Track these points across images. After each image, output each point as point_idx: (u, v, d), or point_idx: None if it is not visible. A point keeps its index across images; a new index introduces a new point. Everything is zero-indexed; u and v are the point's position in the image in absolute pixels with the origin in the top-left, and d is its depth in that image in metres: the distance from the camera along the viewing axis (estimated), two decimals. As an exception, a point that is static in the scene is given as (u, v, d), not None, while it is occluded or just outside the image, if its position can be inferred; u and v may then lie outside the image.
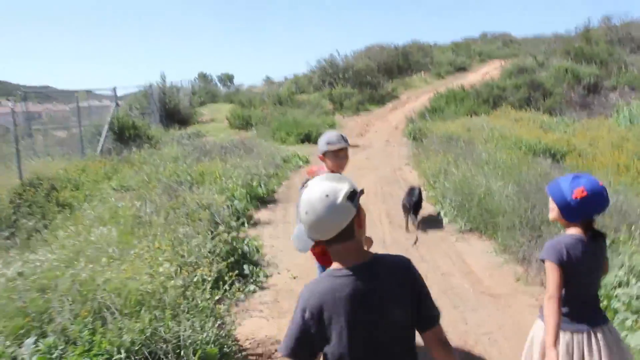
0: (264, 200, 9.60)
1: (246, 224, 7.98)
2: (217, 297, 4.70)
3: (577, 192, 2.44)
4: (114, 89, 17.18)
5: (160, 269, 4.36)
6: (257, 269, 6.20)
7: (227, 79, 78.15)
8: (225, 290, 5.05)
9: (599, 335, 2.51)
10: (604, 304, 4.55)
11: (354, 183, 1.80)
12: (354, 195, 1.74)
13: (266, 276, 6.12)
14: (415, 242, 7.23)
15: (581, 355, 2.50)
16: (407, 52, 33.45)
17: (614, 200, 6.49)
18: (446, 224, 7.97)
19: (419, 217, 7.94)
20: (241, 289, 5.59)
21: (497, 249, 6.64)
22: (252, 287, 5.74)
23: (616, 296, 4.38)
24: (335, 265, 1.81)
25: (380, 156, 14.07)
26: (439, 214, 8.45)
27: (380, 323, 1.75)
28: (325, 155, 3.60)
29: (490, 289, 5.57)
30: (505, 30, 60.97)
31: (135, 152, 12.80)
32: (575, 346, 2.51)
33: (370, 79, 26.10)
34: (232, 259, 5.68)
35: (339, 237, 1.74)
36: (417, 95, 26.86)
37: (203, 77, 70.26)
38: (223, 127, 21.57)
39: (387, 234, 7.63)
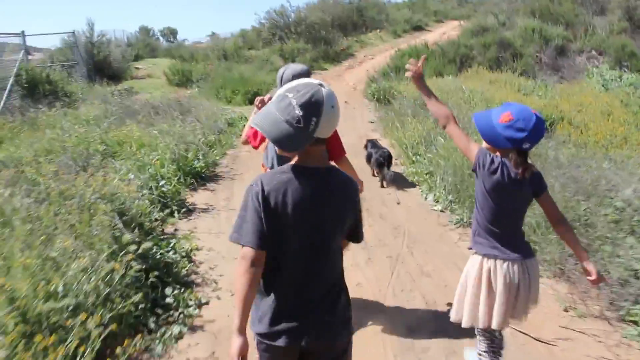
0: (203, 177, 7.40)
1: (176, 214, 5.82)
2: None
3: (504, 116, 2.37)
4: (23, 34, 14.16)
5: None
6: (187, 293, 4.11)
7: (170, 33, 73.62)
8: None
9: (529, 266, 2.53)
10: None
11: None
12: None
13: (199, 304, 4.03)
14: (398, 202, 6.44)
15: (516, 282, 2.49)
16: (361, 7, 31.11)
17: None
18: (439, 213, 6.08)
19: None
20: (159, 335, 3.52)
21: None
22: (176, 328, 3.66)
23: None
24: (297, 161, 1.81)
25: (342, 120, 11.97)
26: (425, 197, 6.56)
27: (322, 221, 1.80)
28: None
29: (532, 327, 3.71)
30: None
31: (44, 112, 10.19)
32: (511, 273, 2.49)
33: (325, 34, 23.72)
34: (139, 294, 3.48)
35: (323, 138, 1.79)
36: (373, 54, 24.77)
37: (145, 31, 66.11)
38: (160, 83, 18.86)
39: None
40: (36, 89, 12.70)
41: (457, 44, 17.71)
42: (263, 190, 1.71)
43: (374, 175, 7.35)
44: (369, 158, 7.43)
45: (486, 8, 35.10)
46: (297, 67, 3.09)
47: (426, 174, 6.96)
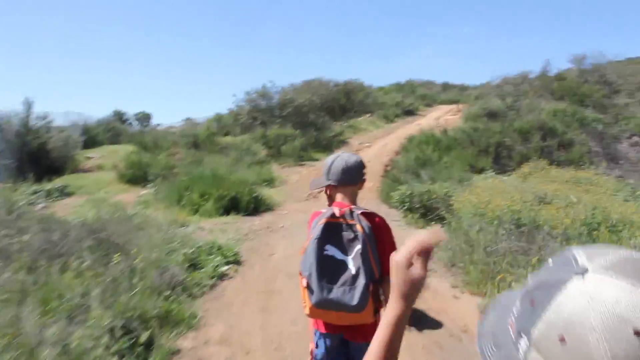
0: None
1: None
2: None
3: None
4: None
5: None
6: None
7: (144, 118, 70.09)
8: None
9: None
10: None
11: None
12: None
13: None
14: None
15: None
16: (348, 90, 27.64)
17: None
18: None
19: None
20: None
21: None
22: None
23: None
24: None
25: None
26: None
27: None
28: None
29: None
30: (429, 78, 56.56)
31: None
32: None
33: (314, 118, 19.75)
34: None
35: None
36: (369, 141, 20.83)
37: (118, 115, 63.14)
38: (109, 179, 14.22)
39: None
40: None
41: (485, 130, 13.72)
42: None
43: None
44: None
45: (476, 92, 32.33)
46: (350, 157, 2.40)
47: None
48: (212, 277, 6.11)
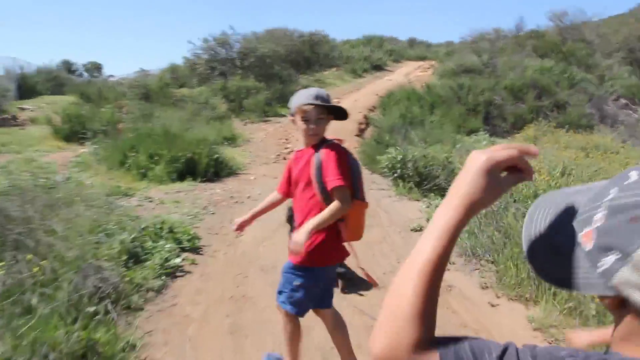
0: None
1: None
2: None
3: None
4: None
5: None
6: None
7: (95, 68, 65.44)
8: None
9: None
10: None
11: None
12: None
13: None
14: None
15: None
16: (313, 42, 25.55)
17: None
18: None
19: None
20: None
21: None
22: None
23: None
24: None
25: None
26: None
27: None
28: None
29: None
30: (392, 34, 54.11)
31: None
32: None
33: (278, 70, 17.74)
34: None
35: None
36: (337, 95, 19.02)
37: (67, 64, 58.83)
38: (43, 135, 12.00)
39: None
40: None
41: (477, 87, 12.19)
42: None
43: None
44: None
45: (441, 50, 30.91)
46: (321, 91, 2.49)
47: None
48: (160, 275, 4.42)
